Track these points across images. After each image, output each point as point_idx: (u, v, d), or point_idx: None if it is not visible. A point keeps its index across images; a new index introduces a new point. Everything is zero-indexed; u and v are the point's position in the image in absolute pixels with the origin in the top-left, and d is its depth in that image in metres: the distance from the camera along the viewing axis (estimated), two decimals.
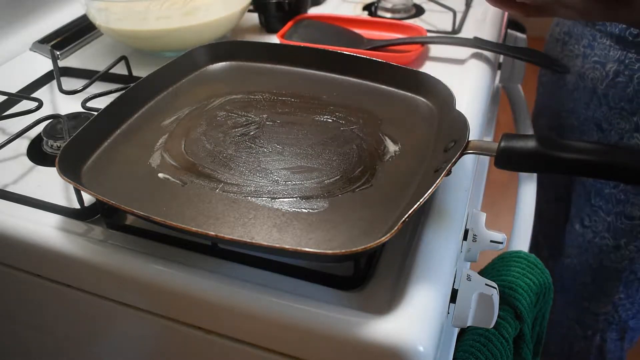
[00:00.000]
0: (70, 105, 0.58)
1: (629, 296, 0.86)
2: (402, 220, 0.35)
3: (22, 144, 0.53)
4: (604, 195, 0.81)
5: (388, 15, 0.80)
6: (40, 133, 0.53)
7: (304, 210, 0.41)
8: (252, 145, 0.48)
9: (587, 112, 0.80)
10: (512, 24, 0.99)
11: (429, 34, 0.71)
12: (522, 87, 0.98)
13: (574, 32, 0.80)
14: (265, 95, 0.56)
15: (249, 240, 0.37)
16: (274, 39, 0.72)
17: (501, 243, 0.52)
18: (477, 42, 0.66)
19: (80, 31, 0.73)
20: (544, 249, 1.01)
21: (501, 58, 0.89)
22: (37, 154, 0.52)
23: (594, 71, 0.77)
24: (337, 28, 0.73)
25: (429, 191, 0.37)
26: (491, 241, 0.52)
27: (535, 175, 0.84)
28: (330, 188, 0.43)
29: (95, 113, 0.49)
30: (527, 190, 0.81)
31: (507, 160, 0.41)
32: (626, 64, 0.73)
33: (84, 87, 0.57)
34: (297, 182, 0.44)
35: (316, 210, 0.41)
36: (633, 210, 0.79)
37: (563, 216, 0.96)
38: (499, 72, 0.91)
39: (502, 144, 0.41)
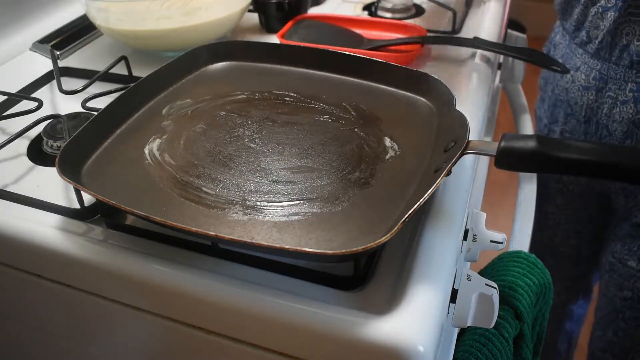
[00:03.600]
0: (70, 105, 0.58)
1: None
2: (402, 220, 0.35)
3: (22, 144, 0.53)
4: None
5: (388, 15, 0.80)
6: (40, 133, 0.53)
7: (303, 210, 0.41)
8: (252, 145, 0.48)
9: None
10: (512, 24, 0.99)
11: (429, 34, 0.71)
12: (522, 87, 0.98)
13: (611, 77, 0.73)
14: (265, 95, 0.56)
15: (249, 240, 0.37)
16: (274, 39, 0.72)
17: (501, 243, 0.52)
18: (477, 42, 0.66)
19: (80, 31, 0.73)
20: (557, 282, 0.95)
21: (501, 58, 0.89)
22: (37, 154, 0.52)
23: None
24: (337, 28, 0.73)
25: (429, 191, 0.37)
26: (491, 241, 0.52)
27: (535, 175, 0.84)
28: (330, 188, 0.43)
29: (95, 113, 0.49)
30: (527, 190, 0.81)
31: (507, 160, 0.41)
32: None
33: (84, 87, 0.57)
34: (297, 182, 0.44)
35: (316, 210, 0.41)
36: None
37: (583, 250, 0.95)
38: (499, 72, 0.91)
39: (502, 144, 0.41)
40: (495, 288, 0.44)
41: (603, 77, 0.74)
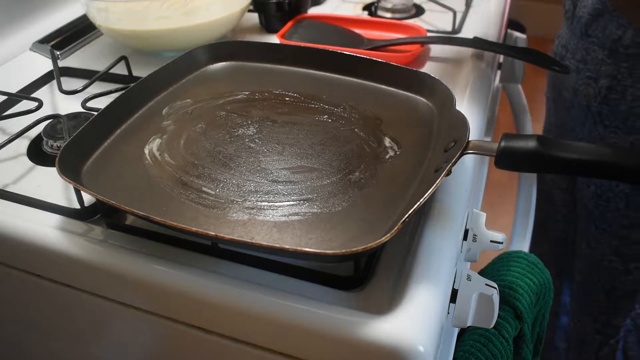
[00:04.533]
0: (70, 105, 0.58)
1: None
2: (402, 220, 0.35)
3: (22, 144, 0.53)
4: (607, 219, 0.79)
5: (388, 15, 0.80)
6: (40, 133, 0.53)
7: (303, 210, 0.41)
8: (252, 145, 0.48)
9: (583, 130, 0.78)
10: (512, 24, 0.99)
11: (429, 34, 0.71)
12: (522, 87, 0.98)
13: (570, 46, 0.79)
14: (265, 95, 0.56)
15: (249, 240, 0.37)
16: (274, 39, 0.72)
17: (501, 243, 0.52)
18: (477, 42, 0.66)
19: (80, 31, 0.73)
20: (551, 268, 1.00)
21: (501, 58, 0.89)
22: (37, 154, 0.52)
23: (587, 87, 0.75)
24: (337, 28, 0.73)
25: (429, 191, 0.37)
26: (491, 241, 0.52)
27: (535, 175, 0.84)
28: (330, 188, 0.43)
29: (95, 113, 0.49)
30: (527, 190, 0.81)
31: (507, 160, 0.41)
32: (618, 79, 0.70)
33: (84, 87, 0.57)
34: (297, 182, 0.44)
35: (316, 210, 0.41)
36: (638, 235, 0.77)
37: (570, 235, 0.96)
38: (499, 72, 0.91)
39: (502, 144, 0.41)
40: (495, 288, 0.44)
41: (565, 45, 0.79)
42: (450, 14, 0.76)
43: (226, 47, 0.60)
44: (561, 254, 1.00)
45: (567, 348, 1.08)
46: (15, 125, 0.55)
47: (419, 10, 0.82)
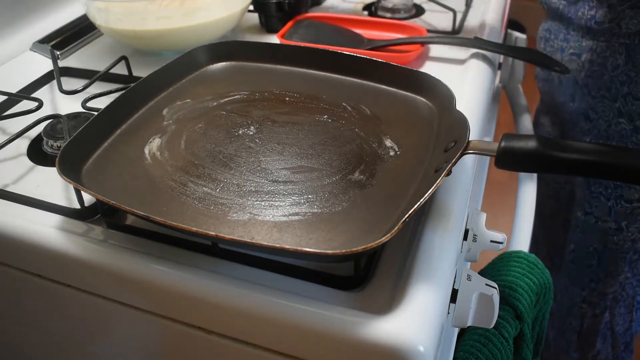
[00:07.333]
0: (70, 105, 0.58)
1: (635, 274, 0.89)
2: (402, 220, 0.35)
3: (22, 144, 0.53)
4: (602, 181, 0.85)
5: (388, 15, 0.80)
6: (40, 133, 0.53)
7: (304, 210, 0.41)
8: (252, 145, 0.48)
9: (573, 104, 0.85)
10: (512, 24, 0.99)
11: (429, 34, 0.71)
12: (522, 87, 0.98)
13: (553, 28, 0.86)
14: (265, 95, 0.56)
15: (249, 240, 0.37)
16: (274, 39, 0.72)
17: (501, 243, 0.52)
18: (477, 42, 0.66)
19: (80, 31, 0.73)
20: (543, 247, 1.03)
21: (501, 58, 0.89)
22: (37, 154, 0.52)
23: (571, 63, 0.82)
24: (337, 28, 0.73)
25: (429, 191, 0.37)
26: (491, 241, 0.52)
27: (535, 175, 0.84)
28: (330, 188, 0.43)
29: (95, 113, 0.49)
30: (527, 190, 0.81)
31: (507, 160, 0.41)
32: (598, 52, 0.77)
33: (84, 87, 0.57)
34: (297, 182, 0.44)
35: (316, 210, 0.41)
36: (630, 194, 0.83)
37: (563, 210, 0.97)
38: (499, 72, 0.91)
39: (502, 144, 0.41)
40: (496, 288, 0.44)
41: (548, 29, 0.88)
42: (450, 14, 0.76)
43: (226, 47, 0.60)
44: (552, 231, 1.01)
45: (550, 320, 1.08)
46: (15, 125, 0.55)
47: (419, 10, 0.82)
